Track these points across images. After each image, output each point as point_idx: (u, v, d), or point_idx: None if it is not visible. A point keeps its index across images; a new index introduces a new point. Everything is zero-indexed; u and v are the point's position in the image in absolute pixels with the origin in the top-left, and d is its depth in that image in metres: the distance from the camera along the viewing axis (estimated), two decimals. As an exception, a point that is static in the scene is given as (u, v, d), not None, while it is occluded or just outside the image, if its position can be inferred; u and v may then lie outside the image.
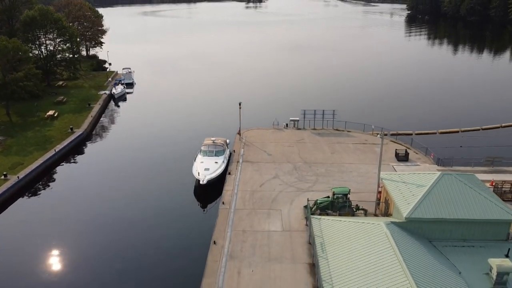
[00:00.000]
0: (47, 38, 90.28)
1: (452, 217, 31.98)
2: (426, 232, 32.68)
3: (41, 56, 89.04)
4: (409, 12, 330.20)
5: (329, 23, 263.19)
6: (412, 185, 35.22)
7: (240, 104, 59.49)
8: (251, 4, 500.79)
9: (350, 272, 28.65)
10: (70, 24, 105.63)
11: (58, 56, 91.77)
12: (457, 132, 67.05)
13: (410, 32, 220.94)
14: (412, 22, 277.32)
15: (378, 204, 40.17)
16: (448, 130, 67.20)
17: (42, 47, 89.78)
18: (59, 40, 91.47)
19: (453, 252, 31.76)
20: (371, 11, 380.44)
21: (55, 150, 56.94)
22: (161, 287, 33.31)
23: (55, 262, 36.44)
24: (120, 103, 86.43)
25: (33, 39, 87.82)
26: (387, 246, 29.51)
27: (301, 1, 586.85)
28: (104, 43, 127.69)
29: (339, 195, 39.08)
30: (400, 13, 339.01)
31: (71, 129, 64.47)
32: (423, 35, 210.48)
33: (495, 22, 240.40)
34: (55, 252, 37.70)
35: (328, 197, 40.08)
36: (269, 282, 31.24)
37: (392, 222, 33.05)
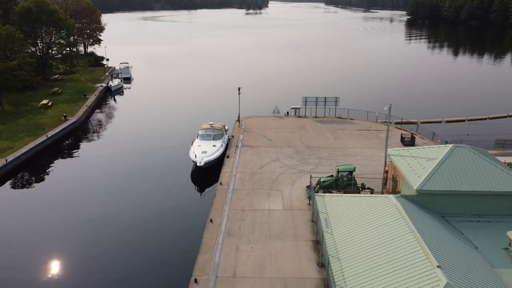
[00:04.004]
0: (43, 31, 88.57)
1: (466, 189, 29.71)
2: (438, 206, 30.39)
3: (37, 48, 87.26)
4: (409, 17, 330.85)
5: (329, 27, 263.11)
6: (422, 158, 33.00)
7: (239, 89, 57.50)
8: (251, 11, 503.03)
9: (358, 245, 26.32)
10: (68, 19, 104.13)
11: (54, 48, 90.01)
12: (464, 121, 65.03)
13: (411, 35, 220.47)
14: (412, 26, 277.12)
15: (385, 183, 37.87)
16: (454, 119, 65.20)
17: (38, 40, 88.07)
18: (55, 32, 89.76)
19: (468, 227, 29.46)
20: (371, 16, 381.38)
21: (46, 135, 54.74)
22: (154, 266, 30.90)
23: (43, 248, 33.39)
24: (117, 96, 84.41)
25: (30, 31, 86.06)
26: (398, 217, 27.24)
27: (300, 8, 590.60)
28: (102, 40, 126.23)
29: (344, 173, 36.82)
30: (400, 18, 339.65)
31: (65, 116, 62.32)
32: (424, 37, 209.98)
33: (496, 26, 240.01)
34: (44, 237, 35.00)
35: (332, 176, 37.85)
36: (269, 258, 28.84)
37: (402, 196, 30.83)
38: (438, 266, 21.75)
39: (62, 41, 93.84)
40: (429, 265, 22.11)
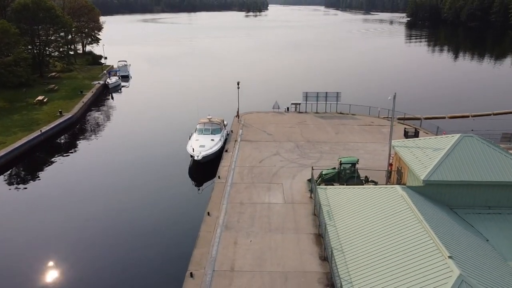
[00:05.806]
0: (40, 28, 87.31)
1: (475, 180, 28.30)
2: (446, 198, 28.95)
3: (34, 45, 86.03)
4: (409, 19, 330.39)
5: (329, 29, 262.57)
6: (429, 149, 31.61)
7: (238, 84, 56.22)
8: (250, 13, 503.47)
9: (363, 237, 24.92)
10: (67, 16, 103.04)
11: (52, 46, 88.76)
12: (467, 117, 63.68)
13: (411, 36, 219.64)
14: (412, 28, 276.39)
15: (389, 176, 36.49)
16: (457, 114, 63.89)
17: (35, 37, 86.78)
18: (52, 30, 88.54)
19: (477, 220, 28.03)
20: (371, 18, 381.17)
21: (41, 131, 53.39)
22: (149, 260, 29.47)
23: (37, 245, 31.91)
24: (115, 93, 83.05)
25: (26, 29, 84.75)
26: (405, 207, 25.85)
27: (300, 11, 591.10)
28: (100, 39, 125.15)
29: (347, 165, 35.45)
30: (400, 20, 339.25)
31: (60, 112, 60.99)
32: (424, 38, 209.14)
33: (496, 27, 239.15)
34: (37, 232, 33.63)
35: (334, 168, 36.49)
36: (269, 252, 27.45)
37: (408, 187, 29.46)
38: (449, 257, 20.35)
39: (60, 39, 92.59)
40: (440, 256, 20.71)
